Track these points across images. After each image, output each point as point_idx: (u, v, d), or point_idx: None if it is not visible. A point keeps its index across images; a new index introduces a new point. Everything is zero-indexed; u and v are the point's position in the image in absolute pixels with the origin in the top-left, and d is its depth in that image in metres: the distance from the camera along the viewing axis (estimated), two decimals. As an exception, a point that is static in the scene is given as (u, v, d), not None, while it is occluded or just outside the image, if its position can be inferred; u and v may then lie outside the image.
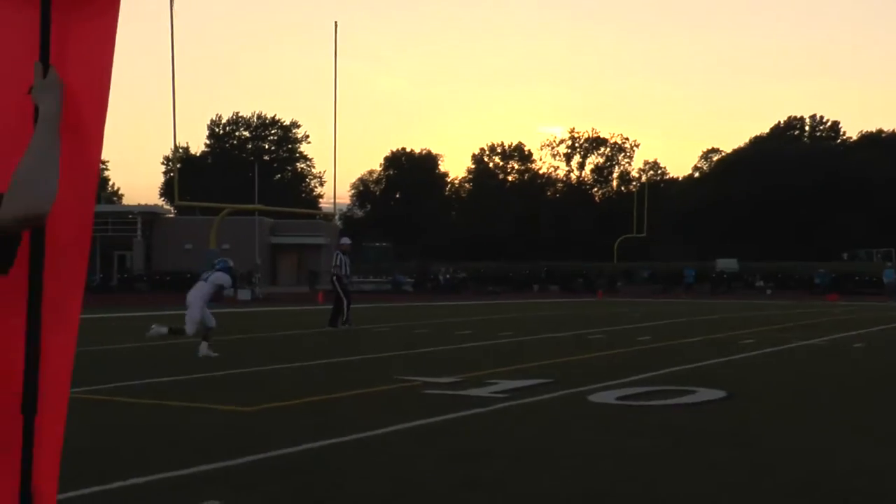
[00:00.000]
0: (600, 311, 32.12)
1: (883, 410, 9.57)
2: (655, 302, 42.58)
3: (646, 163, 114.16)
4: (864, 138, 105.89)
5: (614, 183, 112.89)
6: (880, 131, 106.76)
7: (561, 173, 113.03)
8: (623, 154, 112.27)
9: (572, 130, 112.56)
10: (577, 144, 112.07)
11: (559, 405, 9.75)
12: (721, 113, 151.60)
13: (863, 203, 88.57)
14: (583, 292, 55.14)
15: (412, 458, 6.93)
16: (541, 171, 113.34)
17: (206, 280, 15.53)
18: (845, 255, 73.80)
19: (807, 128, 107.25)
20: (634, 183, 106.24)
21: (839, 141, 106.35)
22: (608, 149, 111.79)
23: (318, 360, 14.53)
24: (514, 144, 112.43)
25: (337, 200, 75.56)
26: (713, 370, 13.23)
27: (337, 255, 22.53)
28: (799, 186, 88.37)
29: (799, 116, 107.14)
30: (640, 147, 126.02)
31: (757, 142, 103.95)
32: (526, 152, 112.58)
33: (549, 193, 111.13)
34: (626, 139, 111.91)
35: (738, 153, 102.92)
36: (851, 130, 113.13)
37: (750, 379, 12.26)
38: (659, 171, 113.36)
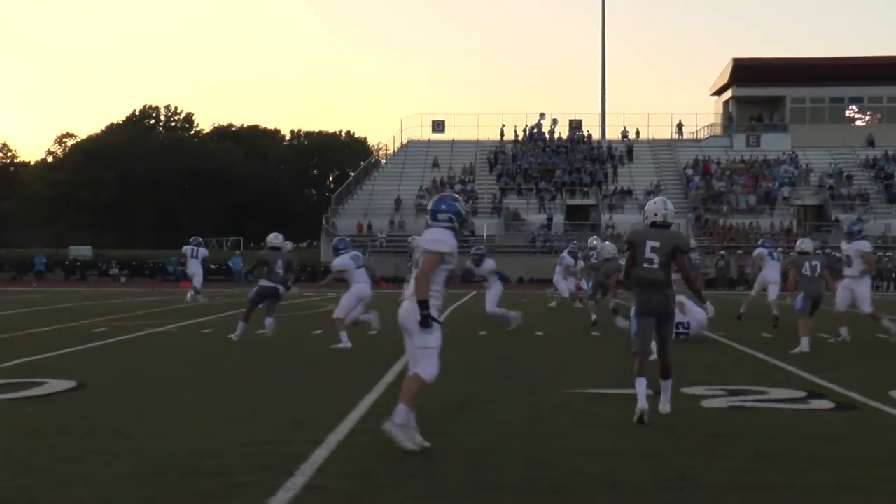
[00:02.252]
0: (-58, 302, 29.90)
1: (230, 391, 10.08)
2: (5, 290, 40.60)
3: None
4: (216, 131, 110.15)
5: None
6: (231, 125, 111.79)
7: None
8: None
9: None
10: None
11: None
12: (75, 97, 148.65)
13: (217, 193, 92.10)
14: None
15: None
16: None
17: (196, 257, 26.22)
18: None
19: (162, 117, 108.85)
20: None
21: (193, 132, 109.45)
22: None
23: None
24: None
25: None
26: (64, 360, 12.98)
27: None
28: (157, 175, 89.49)
29: (154, 106, 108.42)
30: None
31: (113, 129, 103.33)
32: None
33: None
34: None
35: (94, 139, 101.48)
36: (205, 123, 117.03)
37: (102, 368, 12.23)
38: (10, 154, 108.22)
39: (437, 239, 7.21)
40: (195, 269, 26.37)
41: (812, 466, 6.54)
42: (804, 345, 14.37)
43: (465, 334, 17.01)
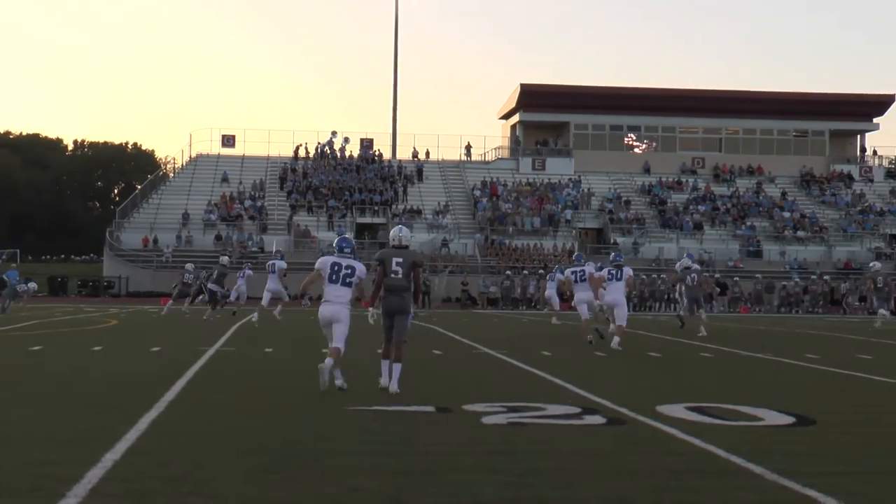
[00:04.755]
0: None
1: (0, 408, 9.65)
2: None
3: None
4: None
5: None
6: (8, 133, 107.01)
7: None
8: None
9: None
10: None
11: None
12: None
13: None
14: None
15: None
16: None
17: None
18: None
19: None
20: None
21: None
22: None
23: None
24: None
25: None
26: None
27: None
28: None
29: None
30: None
31: None
32: None
33: None
34: None
35: None
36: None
37: None
38: None
39: None
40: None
41: (584, 480, 6.81)
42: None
43: (250, 350, 16.86)
